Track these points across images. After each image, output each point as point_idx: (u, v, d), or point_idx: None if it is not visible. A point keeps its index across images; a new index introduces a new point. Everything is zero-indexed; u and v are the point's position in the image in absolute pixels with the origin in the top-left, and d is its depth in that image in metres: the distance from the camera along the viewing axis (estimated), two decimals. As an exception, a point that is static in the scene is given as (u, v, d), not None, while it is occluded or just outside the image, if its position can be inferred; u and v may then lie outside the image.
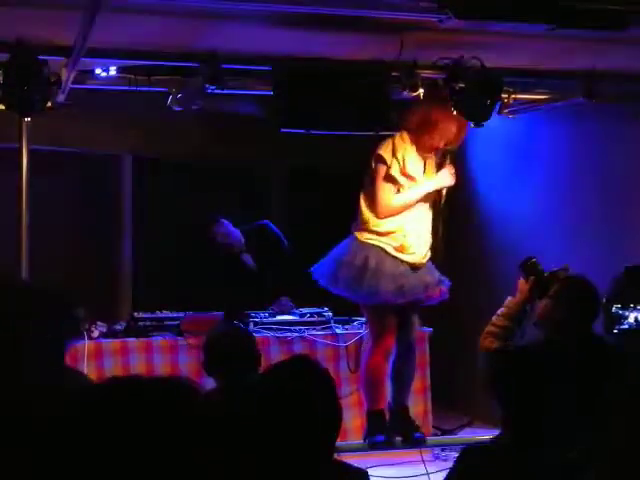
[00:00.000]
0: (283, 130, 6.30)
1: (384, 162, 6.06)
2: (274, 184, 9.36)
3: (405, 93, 6.36)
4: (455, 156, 6.35)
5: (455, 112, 6.06)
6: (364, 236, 6.12)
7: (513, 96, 6.95)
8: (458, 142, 6.26)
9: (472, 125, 6.46)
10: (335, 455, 2.73)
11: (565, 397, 3.02)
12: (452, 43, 5.80)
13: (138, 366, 6.72)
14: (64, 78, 5.79)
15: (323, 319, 7.36)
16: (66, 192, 8.50)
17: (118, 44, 5.77)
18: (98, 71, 6.29)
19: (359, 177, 6.28)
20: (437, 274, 6.23)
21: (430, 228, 6.24)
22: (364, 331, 7.08)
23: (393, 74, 6.31)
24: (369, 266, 5.98)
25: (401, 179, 6.06)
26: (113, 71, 6.30)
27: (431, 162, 6.26)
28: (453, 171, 6.21)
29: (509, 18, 4.91)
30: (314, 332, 7.22)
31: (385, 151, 6.08)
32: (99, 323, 6.81)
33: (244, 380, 4.12)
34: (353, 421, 7.04)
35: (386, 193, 6.06)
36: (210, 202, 8.92)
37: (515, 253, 8.14)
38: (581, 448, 2.69)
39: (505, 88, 6.67)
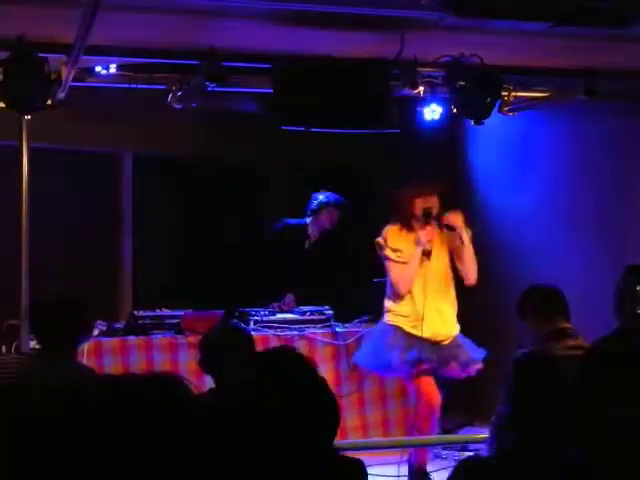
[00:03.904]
0: (283, 128, 6.30)
1: (377, 247, 6.31)
2: (274, 183, 9.34)
3: (405, 90, 6.37)
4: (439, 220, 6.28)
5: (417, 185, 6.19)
6: (387, 318, 6.35)
7: (513, 94, 6.95)
8: (425, 206, 6.21)
9: (473, 123, 6.48)
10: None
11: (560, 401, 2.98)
12: (452, 41, 5.80)
13: (138, 364, 6.70)
14: (64, 76, 5.78)
15: (323, 317, 7.35)
16: (66, 190, 8.49)
17: (118, 42, 5.77)
18: (98, 69, 6.29)
19: (360, 175, 6.28)
20: (469, 353, 6.28)
21: (454, 303, 6.33)
22: (363, 330, 7.10)
23: (393, 72, 6.32)
24: (385, 343, 6.27)
25: (392, 254, 6.22)
26: (113, 69, 6.30)
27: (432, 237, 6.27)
28: (426, 235, 6.20)
29: (509, 16, 4.91)
30: (314, 330, 7.21)
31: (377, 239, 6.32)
32: (99, 321, 6.80)
33: (239, 378, 4.10)
34: (352, 420, 7.03)
35: (390, 271, 6.28)
36: (210, 201, 8.92)
37: (515, 252, 8.16)
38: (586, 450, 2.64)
39: (505, 86, 6.67)
